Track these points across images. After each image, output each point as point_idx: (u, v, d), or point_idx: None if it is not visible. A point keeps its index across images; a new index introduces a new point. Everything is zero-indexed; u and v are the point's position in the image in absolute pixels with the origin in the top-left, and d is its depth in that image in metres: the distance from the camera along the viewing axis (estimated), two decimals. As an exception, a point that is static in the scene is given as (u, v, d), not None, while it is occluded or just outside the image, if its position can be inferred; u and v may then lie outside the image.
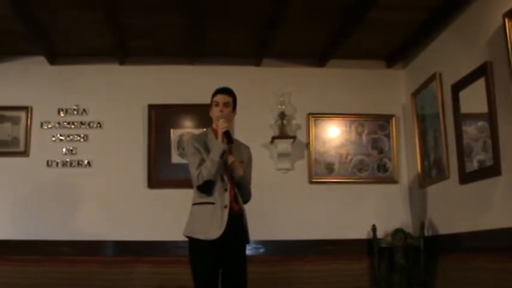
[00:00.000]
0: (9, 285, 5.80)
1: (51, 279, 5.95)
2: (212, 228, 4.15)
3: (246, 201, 4.44)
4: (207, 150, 4.30)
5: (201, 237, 4.18)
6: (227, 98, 4.46)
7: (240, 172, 4.31)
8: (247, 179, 4.48)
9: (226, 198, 4.23)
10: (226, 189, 4.25)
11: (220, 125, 4.26)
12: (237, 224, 4.25)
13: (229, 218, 4.19)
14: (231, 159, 4.29)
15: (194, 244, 4.25)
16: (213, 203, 4.21)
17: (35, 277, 5.94)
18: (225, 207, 4.20)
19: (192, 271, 4.24)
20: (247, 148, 4.67)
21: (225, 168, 4.27)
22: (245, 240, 4.37)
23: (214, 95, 4.49)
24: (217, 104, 4.42)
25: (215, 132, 4.37)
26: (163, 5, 5.36)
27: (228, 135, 4.22)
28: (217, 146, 4.21)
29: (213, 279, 4.20)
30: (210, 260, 4.18)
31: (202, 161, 4.26)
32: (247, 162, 4.52)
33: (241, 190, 4.38)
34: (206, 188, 4.23)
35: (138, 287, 5.99)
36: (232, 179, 4.32)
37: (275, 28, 5.74)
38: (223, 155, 4.18)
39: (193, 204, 4.34)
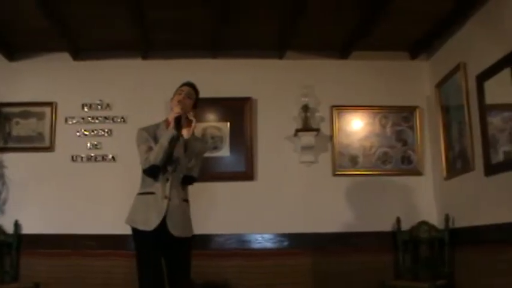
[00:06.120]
0: (35, 278, 5.86)
1: (76, 272, 6.03)
2: (152, 217, 4.18)
3: (188, 178, 4.37)
4: (156, 141, 4.31)
5: (142, 227, 4.21)
6: (191, 92, 4.49)
7: (185, 133, 4.24)
8: (192, 163, 4.34)
9: (167, 188, 4.24)
10: (168, 180, 4.26)
11: (174, 110, 4.28)
12: (177, 215, 4.25)
13: (170, 208, 4.21)
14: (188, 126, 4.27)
15: (137, 234, 4.27)
16: (153, 193, 4.25)
17: (60, 270, 6.02)
18: (165, 197, 4.22)
19: (136, 260, 4.24)
20: (204, 142, 4.74)
21: (171, 158, 4.25)
22: (187, 231, 4.34)
23: (180, 86, 4.52)
24: (180, 93, 4.44)
25: (168, 124, 4.35)
26: (185, -1, 5.39)
27: (178, 121, 4.23)
28: (167, 131, 4.22)
29: (156, 268, 4.19)
30: (152, 249, 4.19)
31: (150, 148, 4.29)
32: (197, 153, 4.40)
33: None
34: (152, 173, 4.25)
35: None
36: (175, 172, 4.30)
37: (298, 21, 5.73)
38: (172, 140, 4.17)
39: (137, 194, 4.38)
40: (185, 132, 4.25)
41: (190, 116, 4.32)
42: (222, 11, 5.56)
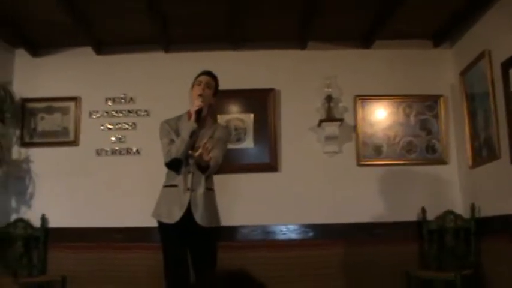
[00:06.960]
0: (62, 271, 5.93)
1: (102, 265, 6.08)
2: (174, 210, 4.21)
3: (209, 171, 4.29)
4: (178, 133, 4.34)
5: (166, 220, 4.25)
6: (210, 81, 4.51)
7: (204, 160, 4.14)
8: (214, 161, 4.25)
9: (189, 180, 4.25)
10: (189, 172, 4.27)
11: (195, 104, 4.32)
12: (203, 205, 4.24)
13: (193, 200, 4.22)
14: (199, 150, 4.10)
15: (161, 227, 4.32)
16: (176, 186, 4.27)
17: (86, 263, 6.08)
18: (188, 189, 4.23)
19: (163, 253, 4.29)
20: (225, 129, 4.79)
21: (192, 150, 4.22)
22: (213, 220, 4.33)
23: (197, 76, 4.56)
24: (199, 84, 4.47)
25: (189, 116, 4.37)
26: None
27: (199, 114, 4.27)
28: (188, 125, 4.26)
29: (181, 260, 4.22)
30: (176, 242, 4.23)
31: (172, 141, 4.33)
32: (219, 139, 4.43)
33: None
34: (174, 166, 4.29)
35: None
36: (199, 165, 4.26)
37: (319, 11, 5.70)
38: (192, 134, 4.21)
39: (163, 187, 4.41)
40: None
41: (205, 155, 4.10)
42: (242, 3, 5.55)
